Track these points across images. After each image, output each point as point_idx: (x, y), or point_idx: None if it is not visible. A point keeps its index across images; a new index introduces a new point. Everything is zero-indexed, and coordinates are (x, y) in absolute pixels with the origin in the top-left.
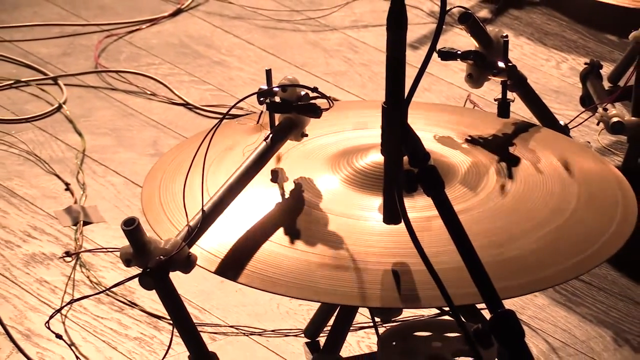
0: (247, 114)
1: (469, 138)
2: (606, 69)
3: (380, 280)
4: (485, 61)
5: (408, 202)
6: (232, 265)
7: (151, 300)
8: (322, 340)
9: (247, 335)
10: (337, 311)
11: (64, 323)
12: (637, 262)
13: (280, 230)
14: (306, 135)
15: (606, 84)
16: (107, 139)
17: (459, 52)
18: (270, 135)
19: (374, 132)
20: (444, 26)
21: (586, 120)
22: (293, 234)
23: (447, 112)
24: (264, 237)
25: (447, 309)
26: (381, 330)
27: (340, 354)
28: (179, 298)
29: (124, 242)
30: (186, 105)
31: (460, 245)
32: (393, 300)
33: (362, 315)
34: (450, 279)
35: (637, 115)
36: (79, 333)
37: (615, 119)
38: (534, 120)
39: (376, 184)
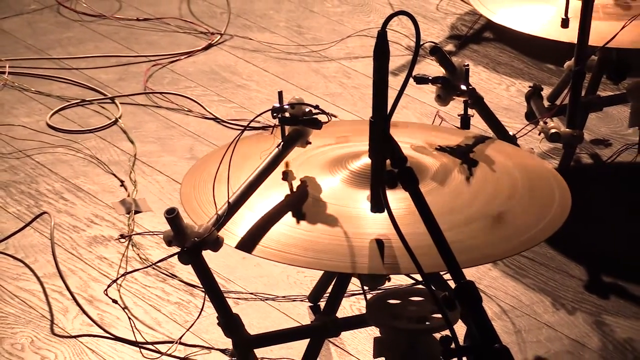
0: (263, 127)
1: (438, 146)
2: (546, 91)
3: (368, 254)
4: (451, 85)
5: (390, 195)
6: (251, 242)
7: (188, 272)
8: (322, 304)
9: (263, 301)
10: (334, 281)
11: (119, 291)
12: (570, 243)
13: (289, 216)
14: (310, 143)
15: (546, 103)
16: (154, 145)
17: (430, 78)
18: (282, 143)
19: (364, 140)
20: (418, 57)
21: (530, 131)
22: (299, 219)
23: (421, 125)
24: (276, 221)
25: (420, 279)
26: (369, 296)
27: (336, 315)
28: (209, 271)
29: (166, 227)
30: (216, 119)
31: (430, 228)
32: (378, 269)
33: (354, 285)
34: (422, 254)
35: (571, 127)
36: (131, 299)
37: (553, 130)
38: (489, 131)
39: (365, 181)
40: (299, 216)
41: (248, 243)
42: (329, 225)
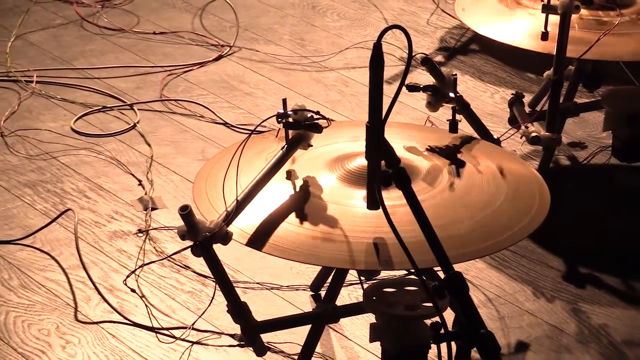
0: (268, 131)
1: (428, 148)
2: (527, 98)
3: (365, 249)
4: (440, 92)
5: (385, 194)
6: (258, 239)
7: (200, 264)
8: (322, 293)
9: (269, 290)
10: (333, 272)
11: (137, 281)
12: (549, 238)
13: (293, 214)
14: (311, 146)
15: (527, 109)
16: (169, 148)
17: (421, 86)
18: (285, 146)
19: (360, 143)
20: (410, 67)
21: (512, 135)
22: (302, 217)
23: (413, 129)
24: (280, 218)
25: (413, 270)
26: (365, 285)
27: (335, 303)
28: (220, 263)
29: (180, 222)
30: (225, 124)
31: (422, 224)
32: (374, 264)
33: (352, 275)
34: (415, 249)
35: (550, 131)
36: (148, 288)
37: (533, 134)
38: (475, 134)
39: (361, 181)
40: (302, 214)
41: (256, 240)
42: (329, 223)
